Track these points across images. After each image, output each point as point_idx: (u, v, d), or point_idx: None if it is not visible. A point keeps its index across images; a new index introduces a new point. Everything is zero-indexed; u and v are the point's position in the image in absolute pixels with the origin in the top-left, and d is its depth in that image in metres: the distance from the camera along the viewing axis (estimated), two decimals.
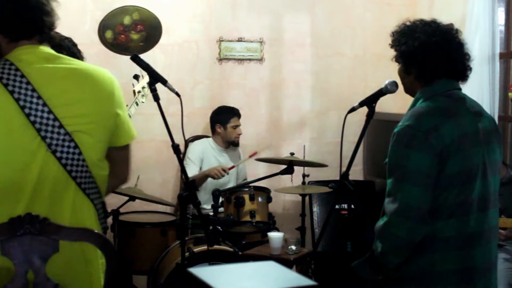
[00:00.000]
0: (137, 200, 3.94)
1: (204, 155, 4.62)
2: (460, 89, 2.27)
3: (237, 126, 4.64)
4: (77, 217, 2.01)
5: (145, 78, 3.66)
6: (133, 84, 3.70)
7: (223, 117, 4.64)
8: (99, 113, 2.09)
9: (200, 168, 4.57)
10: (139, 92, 3.70)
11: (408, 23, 2.27)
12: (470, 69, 2.26)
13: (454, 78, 2.24)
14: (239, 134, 4.66)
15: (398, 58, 2.29)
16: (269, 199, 4.06)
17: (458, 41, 2.24)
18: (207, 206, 4.37)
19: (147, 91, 3.72)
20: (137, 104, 3.69)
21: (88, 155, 2.05)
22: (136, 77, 3.67)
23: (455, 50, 2.22)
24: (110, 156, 2.16)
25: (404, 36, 2.24)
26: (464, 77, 2.26)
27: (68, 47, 3.19)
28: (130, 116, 3.60)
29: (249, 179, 4.66)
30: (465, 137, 2.11)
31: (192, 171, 4.41)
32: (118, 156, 2.21)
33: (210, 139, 4.73)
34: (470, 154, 2.11)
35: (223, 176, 4.32)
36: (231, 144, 4.68)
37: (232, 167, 4.49)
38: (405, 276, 2.15)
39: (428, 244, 2.10)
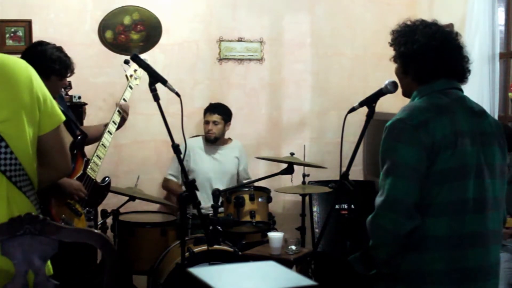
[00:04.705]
0: (137, 200, 3.94)
1: (191, 152, 4.64)
2: (460, 89, 2.26)
3: (208, 121, 4.65)
4: (13, 213, 1.98)
5: None
6: (124, 70, 3.69)
7: (204, 112, 4.72)
8: (18, 100, 2.05)
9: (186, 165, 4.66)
10: (131, 75, 3.70)
11: (408, 23, 2.27)
12: (469, 71, 2.26)
13: (453, 78, 2.24)
14: (210, 130, 4.64)
15: (396, 59, 2.28)
16: (269, 199, 4.07)
17: (457, 44, 2.23)
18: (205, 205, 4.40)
19: (140, 73, 3.72)
20: (131, 88, 3.68)
21: (15, 146, 2.02)
22: (126, 62, 3.66)
23: (454, 53, 2.22)
24: (40, 146, 2.12)
25: (404, 37, 2.23)
26: (462, 79, 2.26)
27: (59, 58, 3.19)
28: (125, 101, 3.61)
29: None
30: (458, 134, 2.10)
31: (172, 168, 4.70)
32: (48, 144, 2.15)
33: (201, 136, 4.79)
34: (463, 151, 2.09)
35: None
36: (207, 141, 4.70)
37: None
38: (396, 274, 2.15)
39: (419, 242, 2.09)
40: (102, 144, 3.41)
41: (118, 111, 3.55)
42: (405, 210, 2.05)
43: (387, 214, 2.08)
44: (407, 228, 2.07)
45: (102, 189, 3.41)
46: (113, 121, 3.51)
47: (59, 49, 3.24)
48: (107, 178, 3.45)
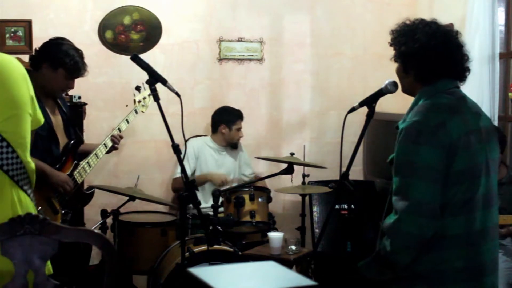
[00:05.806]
0: (137, 200, 3.93)
1: (200, 154, 4.64)
2: (459, 87, 2.28)
3: (240, 128, 4.68)
4: (17, 212, 2.00)
5: (146, 90, 3.69)
6: (134, 94, 3.73)
7: (230, 118, 4.67)
8: (17, 98, 2.05)
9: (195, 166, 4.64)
10: (139, 101, 3.74)
11: (408, 23, 2.27)
12: (469, 70, 2.27)
13: (453, 77, 2.25)
14: (241, 137, 4.70)
15: (397, 58, 2.29)
16: (269, 199, 4.07)
17: (457, 43, 2.24)
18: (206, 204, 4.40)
19: (148, 101, 3.76)
20: (136, 112, 3.74)
21: (15, 143, 2.03)
22: (138, 88, 3.72)
23: (454, 52, 2.23)
24: None
25: (404, 36, 2.24)
26: (462, 78, 2.27)
27: (73, 56, 3.20)
28: (128, 122, 3.64)
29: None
30: (470, 134, 2.12)
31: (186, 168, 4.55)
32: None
33: (208, 137, 4.75)
34: (475, 151, 2.12)
35: (225, 186, 4.35)
36: (231, 145, 4.70)
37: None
38: (413, 275, 2.14)
39: (436, 242, 2.09)
40: (95, 154, 3.42)
41: (112, 139, 3.54)
42: (432, 213, 2.05)
43: (412, 219, 2.05)
44: (432, 230, 2.06)
45: (84, 196, 3.41)
46: (104, 144, 3.52)
47: (78, 51, 3.27)
48: (92, 189, 3.46)
